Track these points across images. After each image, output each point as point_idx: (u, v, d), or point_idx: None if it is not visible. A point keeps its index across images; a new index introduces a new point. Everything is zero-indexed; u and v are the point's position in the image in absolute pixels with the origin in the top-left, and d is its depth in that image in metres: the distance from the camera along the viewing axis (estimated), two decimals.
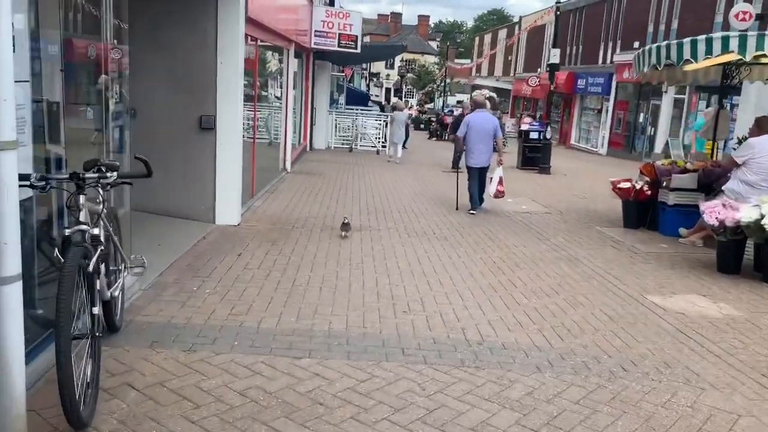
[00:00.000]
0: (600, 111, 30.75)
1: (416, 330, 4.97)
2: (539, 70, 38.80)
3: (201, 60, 7.83)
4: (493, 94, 26.89)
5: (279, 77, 14.01)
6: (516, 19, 58.31)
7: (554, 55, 17.33)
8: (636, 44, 26.55)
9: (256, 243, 7.46)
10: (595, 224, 10.35)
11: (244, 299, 5.41)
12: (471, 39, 56.34)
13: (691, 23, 22.95)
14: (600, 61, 30.74)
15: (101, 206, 3.68)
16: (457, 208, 10.89)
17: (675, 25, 24.25)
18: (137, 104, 7.91)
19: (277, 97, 14.01)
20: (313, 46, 17.74)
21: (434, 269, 6.90)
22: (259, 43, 10.50)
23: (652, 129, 25.30)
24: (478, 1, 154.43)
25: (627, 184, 9.94)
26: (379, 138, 22.62)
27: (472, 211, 10.56)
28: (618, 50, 28.55)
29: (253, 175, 10.22)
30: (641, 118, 26.38)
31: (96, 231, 3.48)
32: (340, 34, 17.92)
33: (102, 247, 3.57)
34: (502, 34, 49.27)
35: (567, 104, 34.79)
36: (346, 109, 27.77)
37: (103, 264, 3.92)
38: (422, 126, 38.65)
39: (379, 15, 75.69)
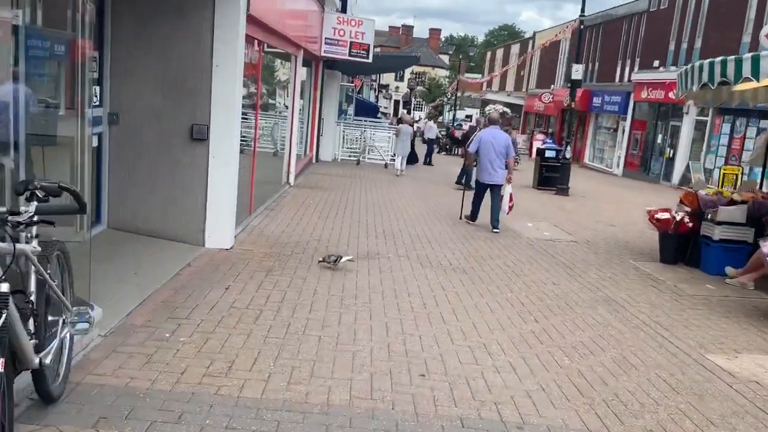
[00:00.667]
0: (616, 130, 29.74)
1: (438, 404, 3.93)
2: (552, 86, 37.88)
3: (194, 61, 6.85)
4: (507, 110, 25.93)
5: (285, 85, 13.06)
6: (528, 35, 57.87)
7: (576, 71, 16.36)
8: (656, 63, 25.65)
9: (249, 272, 6.45)
10: (627, 257, 9.30)
11: (226, 352, 4.39)
12: (482, 53, 55.52)
13: (716, 42, 21.97)
14: (617, 79, 29.77)
15: (24, 247, 2.68)
16: (460, 218, 11.17)
17: (698, 44, 23.28)
18: (120, 108, 6.96)
19: (284, 106, 13.06)
20: (323, 54, 16.81)
21: (454, 312, 5.87)
22: (264, 48, 9.55)
23: (671, 151, 24.25)
24: (489, 16, 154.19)
25: (666, 215, 8.89)
26: (387, 151, 21.63)
27: (470, 222, 10.81)
28: (636, 69, 27.59)
29: (251, 190, 9.23)
30: (659, 140, 25.35)
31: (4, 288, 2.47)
32: (351, 42, 16.99)
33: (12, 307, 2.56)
34: (515, 49, 48.40)
35: (581, 122, 33.77)
36: (355, 120, 26.89)
37: (33, 319, 2.93)
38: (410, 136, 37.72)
39: (390, 27, 75.06)
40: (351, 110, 26.84)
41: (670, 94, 23.36)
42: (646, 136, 26.61)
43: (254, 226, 8.75)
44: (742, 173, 19.94)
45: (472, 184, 11.76)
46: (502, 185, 10.45)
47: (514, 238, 10.10)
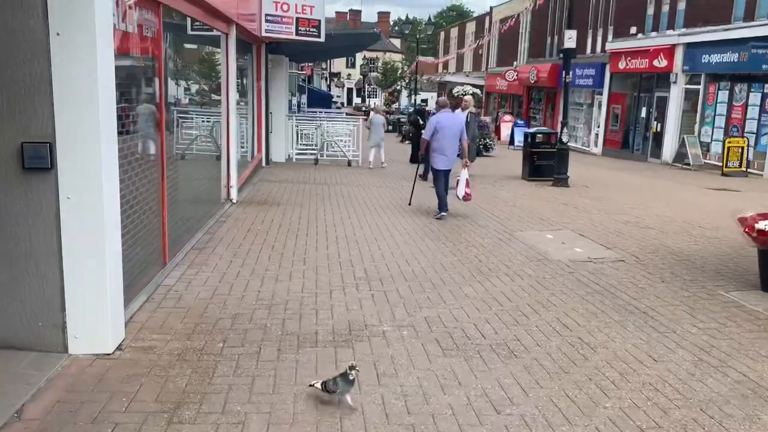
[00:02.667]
0: (591, 105, 27.25)
1: None
2: (515, 63, 35.27)
3: (10, 29, 3.72)
4: (477, 91, 23.20)
5: (213, 71, 9.88)
6: (476, 13, 55.03)
7: (569, 39, 13.55)
8: (633, 30, 23.16)
9: (143, 406, 3.41)
10: (709, 283, 6.53)
11: None
12: (435, 34, 52.66)
13: (705, 2, 19.52)
14: (588, 50, 27.23)
15: None
16: (409, 204, 10.76)
17: (682, 5, 20.79)
18: None
19: (210, 98, 9.89)
20: (264, 34, 13.61)
21: None
22: (170, 18, 6.41)
23: (658, 125, 21.83)
24: (435, 0, 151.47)
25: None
26: (349, 146, 18.56)
27: (439, 216, 9.75)
28: (611, 37, 25.06)
29: (163, 229, 6.10)
30: (643, 113, 22.91)
31: None
32: (298, 18, 13.84)
33: None
34: (471, 27, 45.64)
35: (549, 99, 31.25)
36: (309, 112, 23.69)
37: None
38: (390, 128, 34.72)
39: (337, 13, 71.31)
40: (303, 102, 23.60)
41: (655, 62, 20.92)
42: (627, 110, 24.16)
43: (169, 288, 5.64)
44: (748, 145, 17.64)
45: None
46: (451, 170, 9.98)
47: (543, 262, 7.23)
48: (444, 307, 5.50)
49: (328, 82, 64.69)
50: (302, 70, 25.36)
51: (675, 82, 20.70)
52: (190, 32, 8.64)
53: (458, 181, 9.91)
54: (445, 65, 49.98)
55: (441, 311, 5.37)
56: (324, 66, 63.18)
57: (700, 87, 19.73)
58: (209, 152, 9.90)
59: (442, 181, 9.84)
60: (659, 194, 13.33)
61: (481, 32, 41.42)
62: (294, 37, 13.91)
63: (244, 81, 14.24)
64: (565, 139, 13.92)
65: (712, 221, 10.05)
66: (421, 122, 16.95)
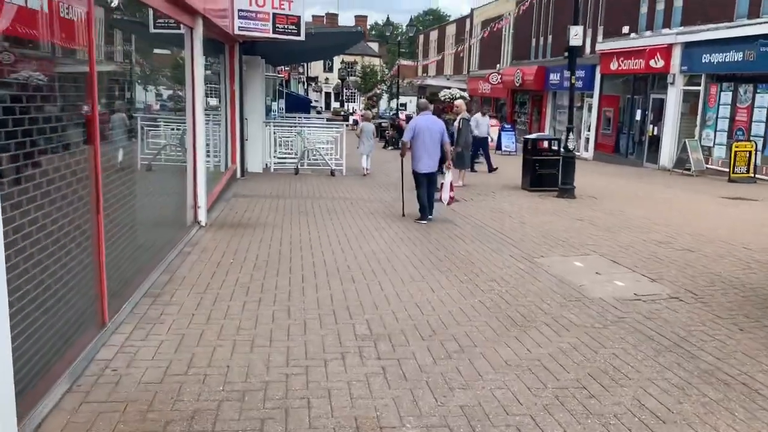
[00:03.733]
0: (580, 108, 26.04)
1: None
2: (498, 66, 34.03)
3: None
4: (465, 95, 21.88)
5: (176, 70, 8.29)
6: (452, 17, 53.56)
7: (575, 35, 12.20)
8: (626, 29, 21.98)
9: None
10: None
11: None
12: (414, 37, 51.33)
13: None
14: None
15: None
16: (403, 215, 9.99)
17: (679, 2, 19.63)
18: None
19: (172, 100, 8.31)
20: (237, 32, 12.05)
21: None
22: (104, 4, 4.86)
23: (654, 128, 20.65)
24: (410, 4, 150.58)
25: None
26: (331, 155, 17.02)
27: (422, 221, 9.51)
28: (601, 38, 23.88)
29: (100, 275, 4.52)
30: (638, 116, 21.72)
31: None
32: (275, 14, 12.30)
33: None
34: (451, 29, 44.37)
35: (536, 103, 30.03)
36: (288, 118, 22.09)
37: None
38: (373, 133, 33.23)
39: (314, 17, 69.60)
40: (280, 107, 21.97)
41: (651, 63, 19.75)
42: (620, 113, 22.97)
43: (104, 366, 4.06)
44: (756, 149, 16.49)
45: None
46: (435, 173, 9.70)
47: (583, 303, 5.80)
48: (482, 385, 4.01)
49: (306, 87, 62.98)
50: (278, 74, 23.75)
51: (672, 84, 19.53)
52: (152, 28, 7.12)
53: (442, 184, 9.69)
54: (425, 68, 48.66)
55: (480, 394, 3.88)
56: (301, 70, 61.49)
57: (701, 88, 18.57)
58: (173, 166, 8.32)
59: (423, 185, 9.52)
60: (675, 206, 12.02)
61: (462, 35, 40.16)
62: (271, 35, 12.38)
63: (215, 84, 12.68)
64: (571, 146, 12.57)
65: (754, 241, 8.72)
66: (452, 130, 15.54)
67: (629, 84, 22.40)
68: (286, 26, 12.44)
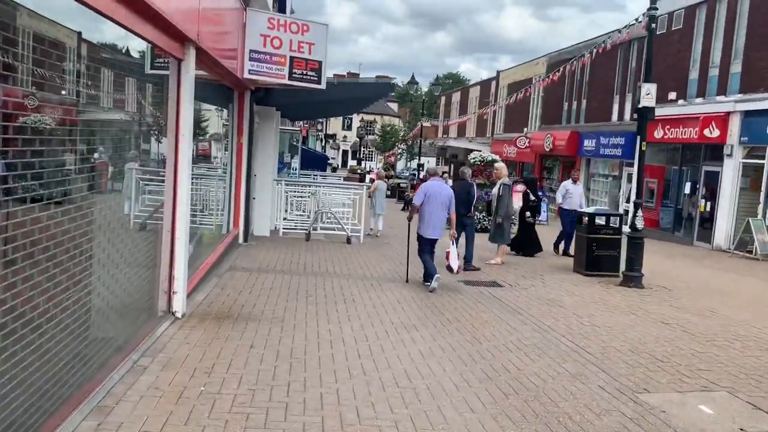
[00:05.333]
0: (616, 178, 23.97)
1: None
2: (525, 129, 32.25)
3: None
4: (497, 157, 19.89)
5: (153, 109, 6.26)
6: (472, 81, 52.30)
7: (647, 95, 10.13)
8: (672, 95, 20.05)
9: None
10: None
11: None
12: (436, 98, 50.17)
13: (766, 64, 16.45)
14: (615, 117, 24.16)
15: None
16: (407, 281, 9.49)
17: (737, 68, 17.72)
18: None
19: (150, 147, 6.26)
20: (247, 75, 10.16)
21: None
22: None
23: (707, 204, 18.43)
24: (429, 69, 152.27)
25: None
26: (348, 219, 14.94)
27: (428, 284, 9.09)
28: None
29: None
30: (687, 189, 19.54)
31: None
32: (292, 58, 10.42)
33: None
34: (474, 92, 43.02)
35: (567, 170, 27.96)
36: (302, 175, 20.16)
37: None
38: (389, 192, 31.32)
39: (335, 75, 69.17)
40: (296, 163, 20.03)
41: (706, 132, 17.70)
42: (665, 186, 20.81)
43: None
44: None
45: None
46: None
47: None
48: None
49: (324, 144, 61.86)
50: (295, 127, 22.01)
51: (730, 155, 17.42)
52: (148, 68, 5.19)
53: (449, 253, 9.36)
54: (446, 129, 47.17)
55: None
56: (320, 127, 60.48)
57: (765, 161, 16.41)
58: (142, 233, 6.20)
59: (428, 250, 9.36)
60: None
61: (486, 97, 38.68)
62: (286, 81, 10.45)
63: (227, 136, 10.78)
64: (639, 225, 10.33)
65: None
66: (532, 198, 13.55)
67: (676, 154, 20.32)
68: (304, 72, 10.54)
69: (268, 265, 10.06)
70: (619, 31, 15.43)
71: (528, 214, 13.45)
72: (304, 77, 10.51)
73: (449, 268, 9.33)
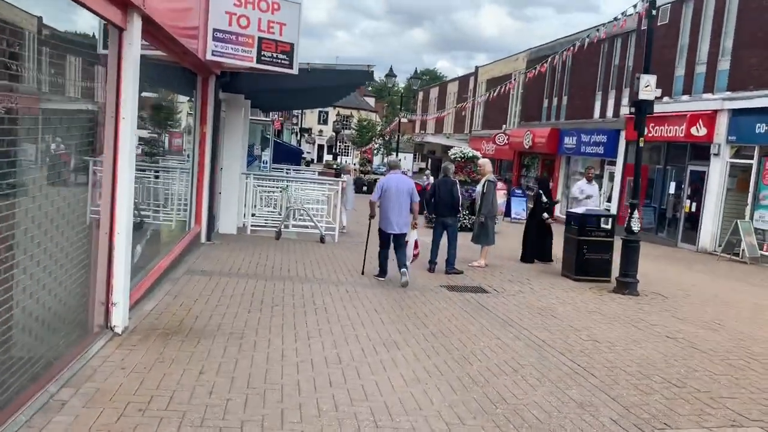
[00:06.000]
0: (599, 177, 23.34)
1: None
2: (504, 126, 31.57)
3: None
4: (477, 153, 19.04)
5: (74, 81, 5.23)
6: (448, 77, 51.29)
7: (646, 86, 9.37)
8: (657, 92, 19.33)
9: None
10: None
11: None
12: (414, 93, 49.35)
13: (759, 59, 15.89)
14: (597, 114, 23.56)
15: None
16: (362, 273, 9.40)
17: (725, 65, 17.15)
18: None
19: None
20: (210, 57, 9.13)
21: None
22: None
23: (693, 204, 17.86)
24: (407, 65, 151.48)
25: None
26: (322, 216, 14.00)
27: (380, 277, 9.11)
28: (626, 100, 21.37)
29: None
30: (672, 189, 18.97)
31: None
32: (261, 39, 9.42)
33: None
34: (452, 87, 42.27)
35: (546, 167, 27.39)
36: (274, 170, 19.11)
37: None
38: (365, 188, 30.41)
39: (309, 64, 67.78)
40: (267, 156, 18.93)
41: (693, 130, 17.12)
42: (648, 185, 20.23)
43: None
44: None
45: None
46: (404, 233, 9.07)
47: None
48: None
49: (299, 138, 60.62)
50: (268, 119, 20.88)
51: (717, 155, 16.86)
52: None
53: (407, 242, 9.14)
54: (423, 125, 46.37)
55: None
56: (295, 120, 59.21)
57: (753, 162, 15.86)
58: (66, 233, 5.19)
59: (387, 247, 9.14)
60: None
61: (465, 93, 37.95)
62: (254, 64, 9.45)
63: (176, 119, 9.77)
64: (635, 227, 9.57)
65: None
66: (545, 200, 12.23)
67: (660, 152, 19.74)
68: (274, 55, 9.55)
69: (231, 267, 9.07)
70: (616, 19, 14.63)
71: (546, 216, 12.18)
72: (274, 60, 9.52)
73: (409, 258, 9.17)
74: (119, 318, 5.47)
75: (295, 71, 9.76)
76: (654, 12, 9.68)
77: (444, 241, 10.34)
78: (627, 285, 9.41)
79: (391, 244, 9.11)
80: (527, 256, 12.13)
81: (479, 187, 11.34)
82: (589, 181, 12.46)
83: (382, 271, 9.20)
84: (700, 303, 9.32)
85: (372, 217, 9.53)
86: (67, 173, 4.78)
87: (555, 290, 9.47)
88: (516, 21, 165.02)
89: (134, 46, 5.35)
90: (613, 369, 5.77)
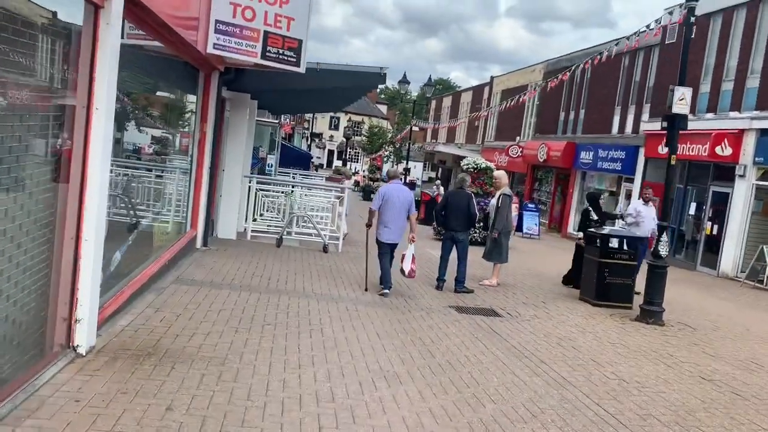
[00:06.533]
0: (613, 194, 22.55)
1: None
2: (518, 138, 30.81)
3: None
4: (492, 164, 18.24)
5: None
6: (462, 87, 50.46)
7: (680, 100, 8.55)
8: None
9: None
10: None
11: None
12: (426, 102, 48.74)
13: None
14: (615, 129, 22.76)
15: None
16: (366, 289, 8.78)
17: (754, 82, 16.35)
18: None
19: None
20: (211, 50, 8.46)
21: None
22: None
23: (714, 226, 17.03)
24: (420, 74, 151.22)
25: None
26: (326, 225, 13.33)
27: (384, 291, 8.63)
28: (647, 116, 20.60)
29: None
30: (692, 210, 18.14)
31: None
32: (267, 33, 8.75)
33: None
34: (466, 97, 41.57)
35: (561, 182, 26.59)
36: (280, 173, 18.44)
37: None
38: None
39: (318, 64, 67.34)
40: (273, 159, 18.24)
41: (717, 150, 16.33)
42: (666, 205, 19.33)
43: None
44: None
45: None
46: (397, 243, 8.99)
47: None
48: None
49: (309, 143, 60.10)
50: (276, 121, 20.18)
51: (743, 176, 16.04)
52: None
53: (404, 255, 9.00)
54: (435, 134, 45.68)
55: None
56: (306, 125, 58.70)
57: None
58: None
59: (387, 255, 8.98)
60: None
61: (479, 103, 37.22)
62: (259, 60, 8.77)
63: (186, 119, 9.13)
64: (663, 251, 8.81)
65: None
66: (594, 217, 10.69)
67: (681, 171, 18.90)
68: (281, 51, 8.86)
69: (225, 277, 8.36)
70: (649, 27, 13.82)
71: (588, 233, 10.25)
72: (280, 57, 8.83)
73: (402, 271, 8.95)
74: (83, 337, 4.77)
75: (302, 70, 9.06)
76: (692, 19, 8.87)
77: (453, 255, 9.62)
78: (652, 314, 8.63)
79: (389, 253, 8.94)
80: (571, 279, 10.85)
81: (494, 201, 10.60)
82: (646, 202, 11.22)
83: (386, 282, 8.78)
84: (732, 337, 8.52)
85: (369, 226, 9.25)
86: (24, 170, 4.09)
87: (573, 316, 8.70)
88: (531, 34, 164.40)
89: (113, 27, 4.67)
90: (646, 418, 5.01)
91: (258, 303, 7.15)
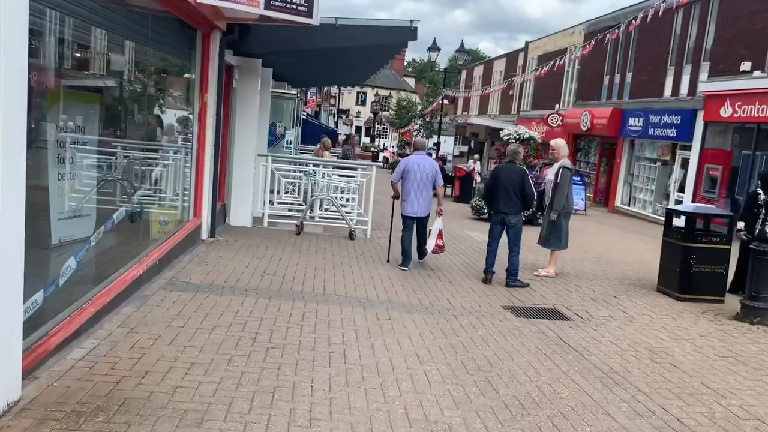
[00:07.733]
0: (666, 163, 20.45)
1: None
2: (557, 106, 28.63)
3: None
4: (535, 135, 16.39)
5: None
6: (491, 56, 47.83)
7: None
8: (746, 65, 16.46)
9: None
10: None
11: None
12: (456, 72, 46.47)
13: None
14: (668, 92, 20.52)
15: None
16: (387, 260, 8.60)
17: None
18: None
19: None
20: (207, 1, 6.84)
21: None
22: None
23: None
24: (448, 47, 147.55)
25: None
26: (353, 208, 11.76)
27: (403, 267, 8.25)
28: (705, 76, 18.38)
29: None
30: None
31: None
32: None
33: None
34: (499, 65, 39.26)
35: (606, 152, 24.49)
36: (303, 151, 16.87)
37: None
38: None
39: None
40: (292, 136, 16.58)
41: None
42: (732, 174, 17.28)
43: None
44: None
45: None
46: (427, 216, 8.50)
47: None
48: None
49: (336, 119, 58.43)
50: (297, 94, 18.54)
51: None
52: None
53: (431, 231, 8.43)
54: (466, 106, 43.53)
55: None
56: (333, 102, 56.98)
57: None
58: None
59: (410, 228, 8.42)
60: None
61: (513, 70, 35.01)
62: (262, 10, 7.14)
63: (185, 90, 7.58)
64: None
65: None
66: (763, 199, 7.69)
67: (747, 136, 16.74)
68: (288, 1, 7.21)
69: (229, 277, 6.84)
70: None
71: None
72: (288, 6, 7.17)
73: (423, 252, 8.60)
74: (11, 391, 3.28)
75: (315, 22, 7.40)
76: None
77: (504, 240, 7.95)
78: (758, 311, 6.85)
79: (414, 228, 8.48)
80: (738, 284, 7.98)
81: (550, 175, 8.83)
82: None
83: (405, 257, 8.36)
84: None
85: (395, 197, 8.72)
86: None
87: (657, 315, 6.98)
88: (564, 2, 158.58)
89: None
90: None
91: (264, 314, 5.62)
